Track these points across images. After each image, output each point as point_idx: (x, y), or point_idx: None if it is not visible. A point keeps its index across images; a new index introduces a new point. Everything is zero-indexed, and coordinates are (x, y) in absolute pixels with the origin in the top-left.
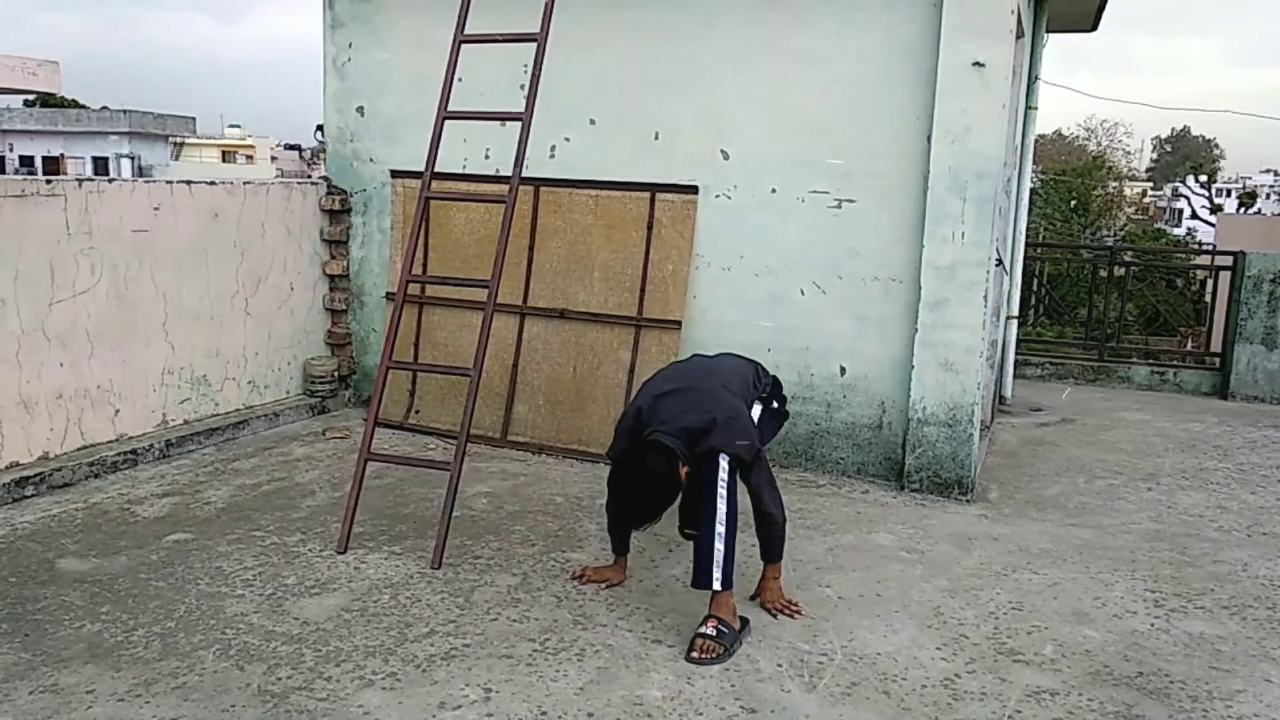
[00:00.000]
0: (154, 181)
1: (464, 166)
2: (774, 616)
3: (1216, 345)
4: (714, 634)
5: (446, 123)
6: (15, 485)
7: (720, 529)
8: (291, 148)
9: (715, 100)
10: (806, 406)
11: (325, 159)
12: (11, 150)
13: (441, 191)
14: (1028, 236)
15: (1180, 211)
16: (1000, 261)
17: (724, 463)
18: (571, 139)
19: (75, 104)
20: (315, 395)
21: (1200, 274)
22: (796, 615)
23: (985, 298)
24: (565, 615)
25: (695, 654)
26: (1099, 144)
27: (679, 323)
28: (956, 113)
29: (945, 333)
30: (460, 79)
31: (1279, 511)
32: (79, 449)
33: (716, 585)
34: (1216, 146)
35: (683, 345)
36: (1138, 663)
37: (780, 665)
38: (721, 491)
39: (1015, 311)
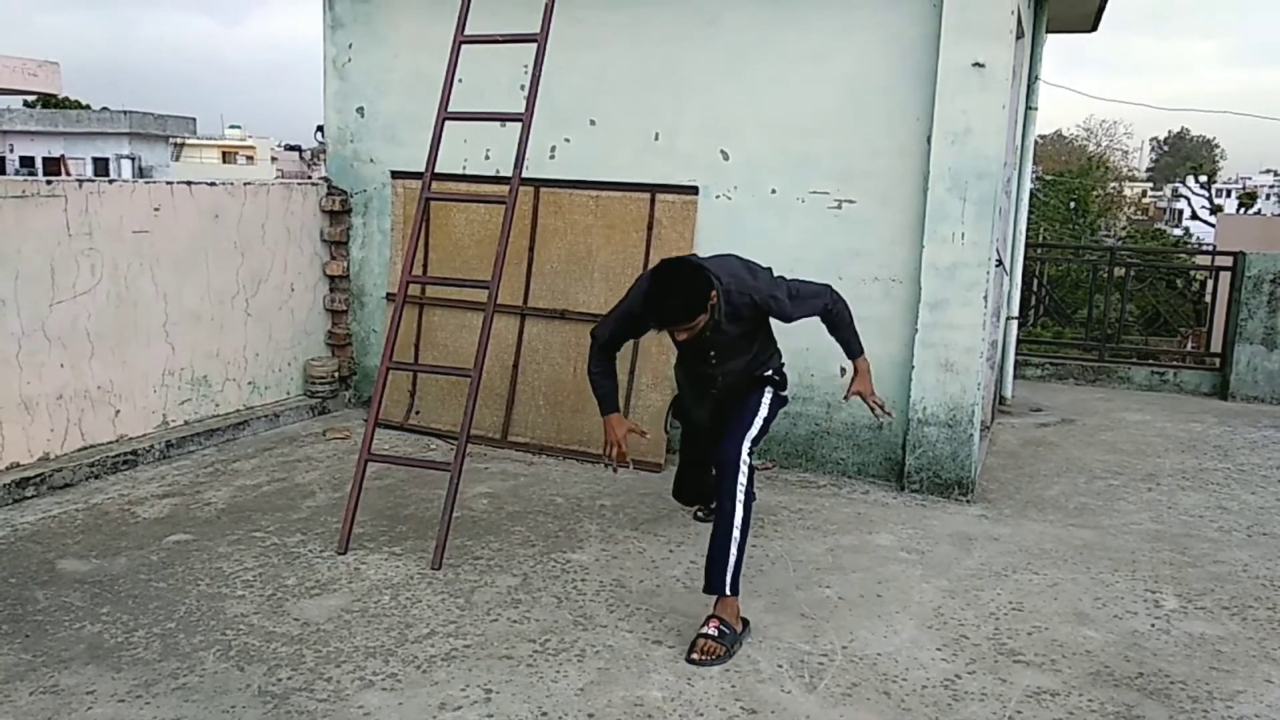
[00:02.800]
0: (154, 182)
1: (464, 167)
2: (878, 414)
3: (1217, 346)
4: (716, 634)
5: (447, 123)
6: (16, 486)
7: (736, 534)
8: (292, 148)
9: (715, 101)
10: (807, 407)
11: (325, 160)
12: (12, 151)
13: (442, 192)
14: (1027, 237)
15: (1180, 212)
16: (1000, 262)
17: (744, 466)
18: (572, 139)
19: (76, 104)
20: (316, 396)
21: (1200, 274)
22: (886, 414)
23: (985, 298)
24: (565, 616)
25: (696, 655)
26: (1098, 144)
27: None
28: (957, 113)
29: (945, 333)
30: (460, 79)
31: (1279, 512)
32: (79, 450)
33: (728, 591)
34: (1216, 146)
35: None
36: (1138, 663)
37: (781, 666)
38: (739, 495)
39: (1015, 312)
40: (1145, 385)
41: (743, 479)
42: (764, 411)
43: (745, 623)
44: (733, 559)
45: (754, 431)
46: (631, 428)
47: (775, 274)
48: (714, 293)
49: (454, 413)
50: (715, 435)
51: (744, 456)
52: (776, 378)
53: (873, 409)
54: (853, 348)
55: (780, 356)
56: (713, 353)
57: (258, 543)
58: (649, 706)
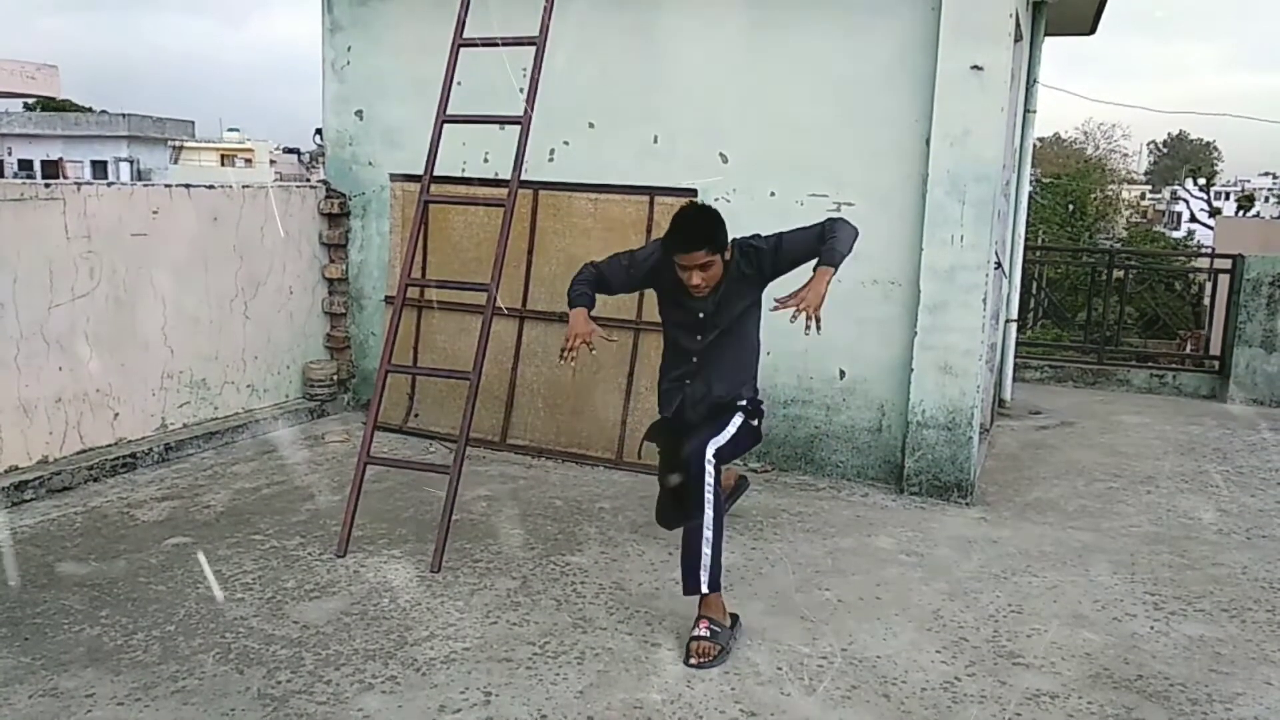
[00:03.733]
0: (153, 185)
1: (463, 170)
2: (805, 322)
3: (1216, 348)
4: (708, 635)
5: (445, 126)
6: (14, 489)
7: (707, 533)
8: (290, 151)
9: (714, 103)
10: (806, 410)
11: (324, 163)
12: (10, 154)
13: (440, 195)
14: (1026, 240)
15: (1179, 215)
16: (999, 265)
17: (709, 467)
18: (570, 142)
19: (75, 107)
20: (314, 399)
21: (1199, 277)
22: (810, 322)
23: (984, 301)
24: (565, 619)
25: (693, 659)
26: (1096, 147)
27: None
28: (955, 116)
29: (944, 336)
30: (459, 82)
31: (1278, 514)
32: (78, 453)
33: (704, 589)
34: (1215, 150)
35: None
36: (1137, 665)
37: (780, 668)
38: (708, 495)
39: (1014, 315)
40: (1144, 388)
41: (709, 479)
42: (732, 430)
43: (734, 618)
44: (707, 557)
45: (721, 440)
46: (597, 330)
47: None
48: (731, 247)
49: (453, 416)
50: (684, 440)
51: (709, 457)
52: (750, 407)
53: (807, 318)
54: (827, 255)
55: (756, 383)
56: (701, 314)
57: (257, 546)
58: (648, 709)
